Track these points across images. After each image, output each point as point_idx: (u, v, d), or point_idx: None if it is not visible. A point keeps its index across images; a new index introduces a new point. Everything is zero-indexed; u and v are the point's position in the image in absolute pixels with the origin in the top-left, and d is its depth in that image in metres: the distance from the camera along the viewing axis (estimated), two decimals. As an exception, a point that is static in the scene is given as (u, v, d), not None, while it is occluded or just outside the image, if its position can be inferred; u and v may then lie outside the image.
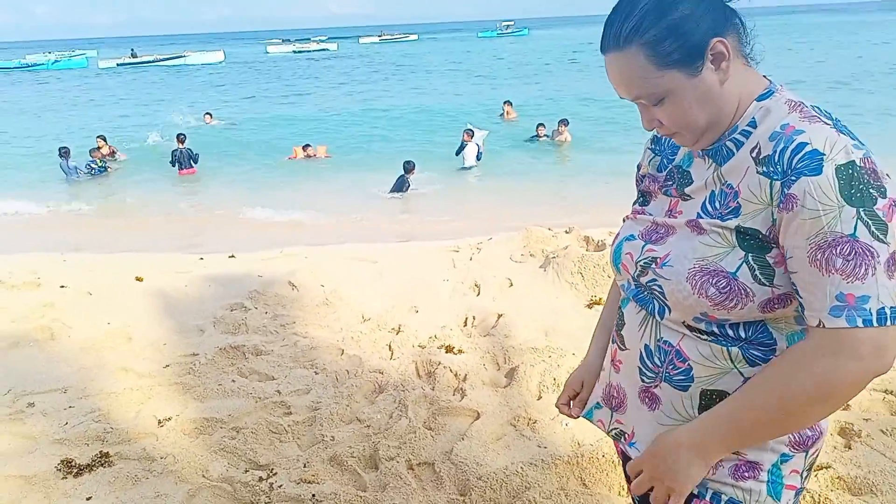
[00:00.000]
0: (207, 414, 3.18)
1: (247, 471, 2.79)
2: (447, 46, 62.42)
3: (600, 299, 4.31)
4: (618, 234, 1.32)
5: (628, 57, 1.08)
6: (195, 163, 12.56)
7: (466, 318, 4.24)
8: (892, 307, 0.97)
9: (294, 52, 65.08)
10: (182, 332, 4.12)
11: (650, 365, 1.20)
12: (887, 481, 2.54)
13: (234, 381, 3.47)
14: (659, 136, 1.33)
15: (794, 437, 1.16)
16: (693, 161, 1.21)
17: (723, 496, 1.17)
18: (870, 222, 0.96)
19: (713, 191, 1.13)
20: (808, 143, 1.01)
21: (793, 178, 1.00)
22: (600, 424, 1.37)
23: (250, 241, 7.28)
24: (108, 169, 12.78)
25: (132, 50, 59.72)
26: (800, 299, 1.04)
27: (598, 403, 1.39)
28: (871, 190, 0.97)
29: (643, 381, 1.22)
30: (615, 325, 1.32)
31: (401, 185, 10.43)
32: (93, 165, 12.49)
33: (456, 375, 3.51)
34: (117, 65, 51.73)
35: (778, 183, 1.02)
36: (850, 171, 0.97)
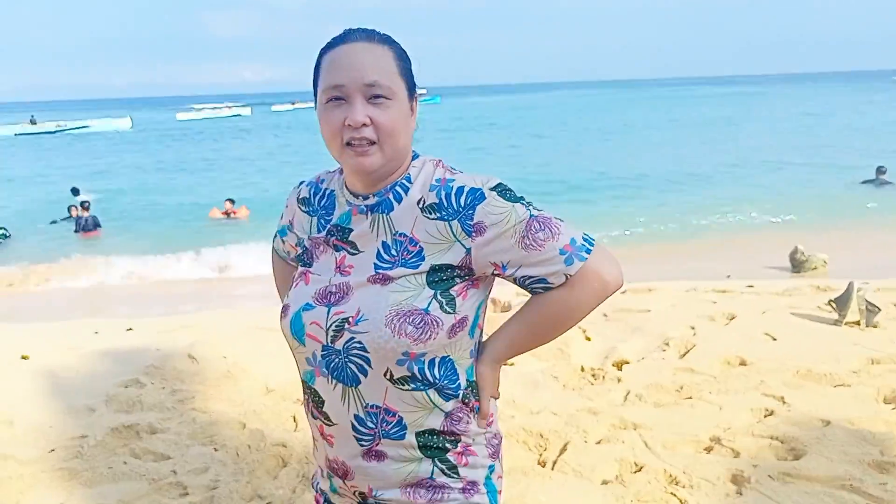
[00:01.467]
0: (96, 501, 2.98)
1: (136, 560, 2.62)
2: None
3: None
4: (286, 306, 1.34)
5: (380, 50, 1.23)
6: (98, 227, 12.20)
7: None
8: (584, 237, 1.25)
9: (205, 118, 64.26)
10: (70, 412, 3.88)
11: (365, 431, 1.27)
12: (776, 526, 2.66)
13: (125, 462, 3.28)
14: (307, 196, 1.40)
15: (492, 449, 1.36)
16: (352, 218, 1.30)
17: None
18: (531, 203, 1.25)
19: (384, 241, 1.26)
20: (463, 185, 1.24)
21: (469, 211, 1.21)
22: (343, 491, 1.38)
23: (152, 303, 6.99)
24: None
25: (31, 117, 57.41)
26: (540, 280, 1.24)
27: (329, 473, 1.39)
28: (513, 191, 1.26)
29: (362, 445, 1.28)
30: (311, 405, 1.33)
31: None
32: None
33: (362, 444, 3.45)
34: (15, 134, 49.43)
35: (456, 221, 1.22)
36: (501, 186, 1.24)
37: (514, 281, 1.27)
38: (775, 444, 3.30)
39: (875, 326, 4.79)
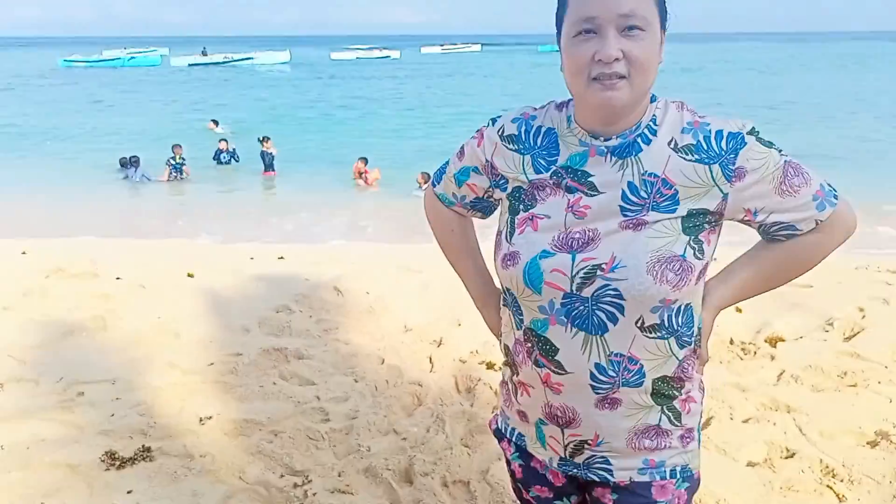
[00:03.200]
0: (247, 415, 3.21)
1: (282, 476, 2.80)
2: (509, 59, 62.24)
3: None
4: (515, 252, 1.28)
5: None
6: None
7: (510, 335, 4.19)
8: (828, 184, 1.27)
9: (357, 58, 66.08)
10: (228, 330, 4.18)
11: (605, 379, 1.27)
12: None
13: (274, 383, 3.50)
14: (515, 133, 1.33)
15: (703, 395, 1.40)
16: (588, 160, 1.25)
17: (677, 467, 1.35)
18: (782, 149, 1.24)
19: (630, 181, 1.22)
20: (721, 129, 1.21)
21: (731, 156, 1.19)
22: (552, 443, 1.39)
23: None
24: (185, 171, 12.59)
25: (203, 49, 61.58)
26: (789, 227, 1.26)
27: (541, 420, 1.38)
28: (765, 137, 1.25)
29: (598, 393, 1.28)
30: (536, 353, 1.31)
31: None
32: (171, 162, 12.40)
33: (496, 393, 3.46)
34: (188, 64, 53.39)
35: (717, 165, 1.20)
36: (756, 131, 1.23)
37: (760, 227, 1.28)
38: None
39: None
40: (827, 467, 2.79)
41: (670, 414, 1.32)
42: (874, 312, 4.47)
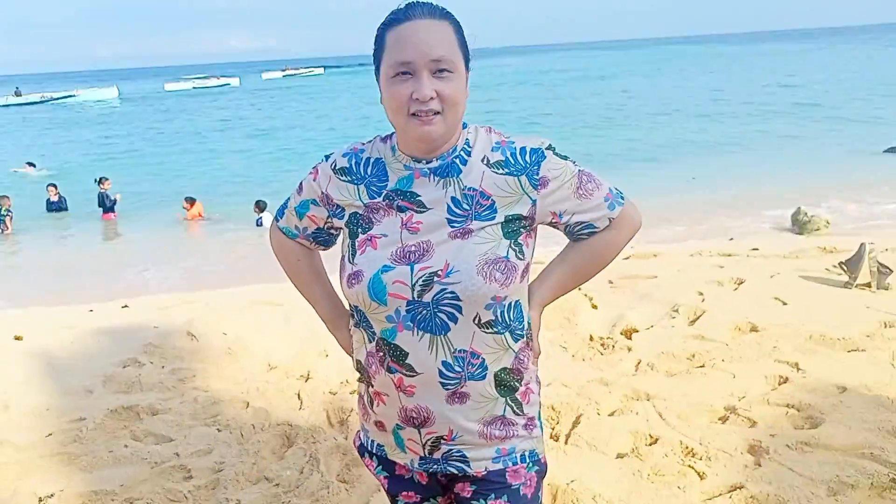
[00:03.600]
0: (96, 486, 2.89)
1: (142, 548, 2.54)
2: (355, 80, 62.34)
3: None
4: (358, 272, 1.39)
5: (444, 26, 1.34)
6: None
7: (379, 359, 4.11)
8: (615, 188, 1.48)
9: (193, 87, 63.31)
10: (67, 394, 3.78)
11: (452, 375, 1.39)
12: (797, 495, 2.60)
13: (126, 445, 3.19)
14: (346, 166, 1.47)
15: (539, 387, 1.54)
16: (414, 181, 1.41)
17: (525, 452, 1.49)
18: (575, 161, 1.45)
19: (454, 196, 1.39)
20: (525, 146, 1.41)
21: (535, 167, 1.39)
22: (411, 445, 1.48)
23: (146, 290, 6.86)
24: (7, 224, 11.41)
25: (16, 88, 56.41)
26: (589, 226, 1.46)
27: (398, 425, 1.47)
28: (561, 151, 1.45)
29: (447, 389, 1.40)
30: (388, 360, 1.41)
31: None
32: None
33: (369, 421, 3.37)
34: (0, 105, 48.67)
35: (524, 176, 1.38)
36: (552, 146, 1.43)
37: (565, 227, 1.46)
38: (792, 412, 3.23)
39: (887, 288, 4.72)
40: (687, 448, 2.96)
41: (513, 405, 1.46)
42: (712, 295, 4.86)
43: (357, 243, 1.43)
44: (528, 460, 1.49)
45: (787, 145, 15.69)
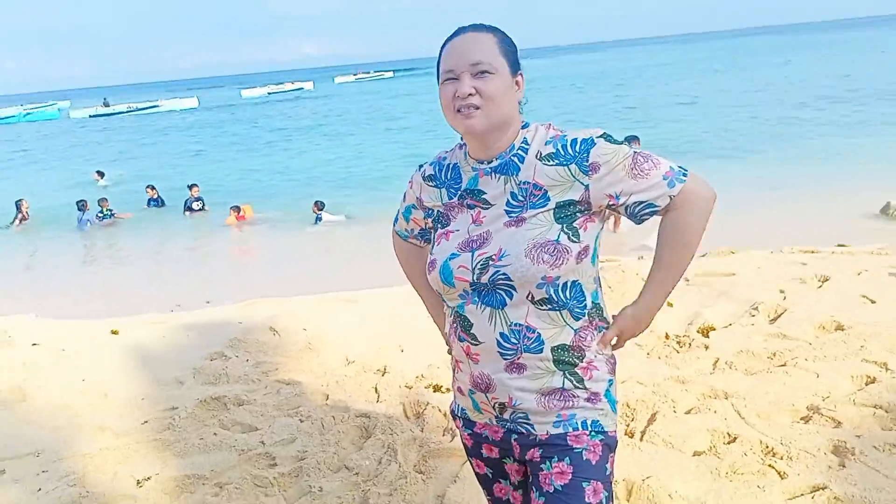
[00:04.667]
0: (189, 471, 3.07)
1: (232, 529, 2.68)
2: (422, 82, 62.95)
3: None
4: (434, 260, 1.61)
5: (486, 37, 1.52)
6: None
7: (452, 355, 4.18)
8: (678, 166, 1.53)
9: (268, 94, 65.31)
10: (160, 385, 4.01)
11: (509, 346, 1.53)
12: (884, 498, 2.51)
13: (215, 434, 3.36)
14: (432, 173, 1.69)
15: (610, 366, 1.63)
16: (479, 180, 1.59)
17: (588, 420, 1.57)
18: (631, 144, 1.53)
19: (512, 192, 1.54)
20: (576, 137, 1.52)
21: (584, 155, 1.49)
22: (485, 406, 1.63)
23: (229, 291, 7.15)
24: (115, 216, 13.09)
25: (105, 99, 59.56)
26: (649, 206, 1.51)
27: (471, 390, 1.64)
28: (615, 137, 1.53)
29: (506, 359, 1.54)
30: (459, 329, 1.60)
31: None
32: (100, 215, 12.96)
33: (445, 415, 3.43)
34: (89, 116, 51.54)
35: (574, 165, 1.49)
36: (606, 134, 1.52)
37: (626, 210, 1.52)
38: (880, 412, 3.10)
39: None
40: (767, 447, 2.89)
41: (573, 379, 1.56)
42: (794, 292, 4.70)
43: (436, 237, 1.65)
44: (590, 428, 1.56)
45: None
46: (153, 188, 14.42)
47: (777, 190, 10.69)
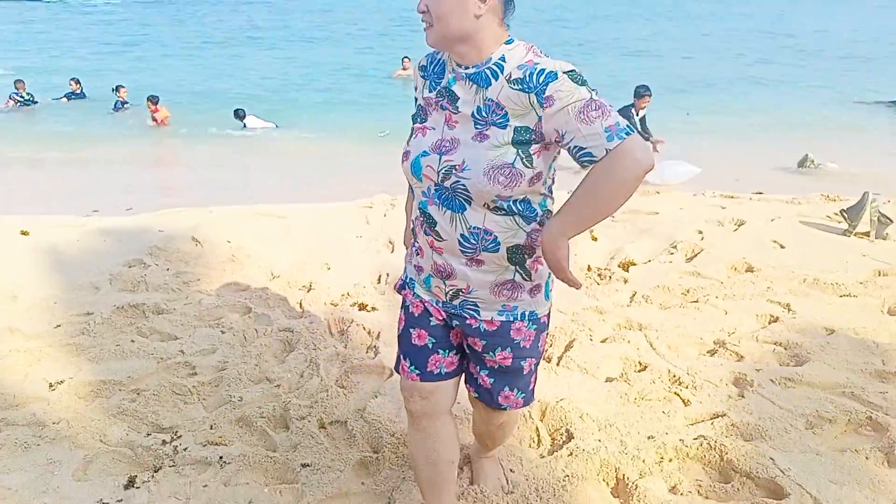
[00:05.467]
0: (104, 376, 3.00)
1: (149, 434, 2.66)
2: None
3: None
4: (408, 151, 1.76)
5: None
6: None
7: (380, 276, 4.19)
8: (626, 126, 1.56)
9: None
10: (74, 289, 3.86)
11: (468, 245, 1.72)
12: (776, 426, 2.71)
13: (133, 341, 3.29)
14: (424, 64, 1.81)
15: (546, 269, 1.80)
16: (456, 82, 1.68)
17: (526, 312, 1.84)
18: (593, 90, 1.58)
19: (479, 105, 1.64)
20: (544, 68, 1.58)
21: (543, 87, 1.56)
22: (437, 290, 1.85)
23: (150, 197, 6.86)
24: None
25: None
26: (587, 153, 1.56)
27: (428, 276, 1.85)
28: (582, 77, 1.59)
29: (466, 255, 1.74)
30: (424, 225, 1.78)
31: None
32: (17, 98, 12.37)
33: (369, 333, 3.46)
34: None
35: (533, 94, 1.57)
36: (573, 72, 1.58)
37: (569, 150, 1.60)
38: (779, 349, 3.33)
39: (885, 238, 4.76)
40: (674, 377, 3.07)
41: (522, 272, 1.78)
42: (711, 234, 4.91)
43: (414, 129, 1.79)
44: (527, 319, 1.85)
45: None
46: (77, 81, 13.54)
47: (705, 134, 10.97)
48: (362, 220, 5.19)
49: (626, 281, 4.13)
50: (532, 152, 1.63)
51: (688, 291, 3.96)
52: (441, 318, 1.90)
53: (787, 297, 3.86)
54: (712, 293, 3.92)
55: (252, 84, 16.05)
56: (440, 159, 1.68)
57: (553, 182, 1.77)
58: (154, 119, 11.53)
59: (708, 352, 3.36)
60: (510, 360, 1.88)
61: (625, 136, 1.54)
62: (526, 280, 1.79)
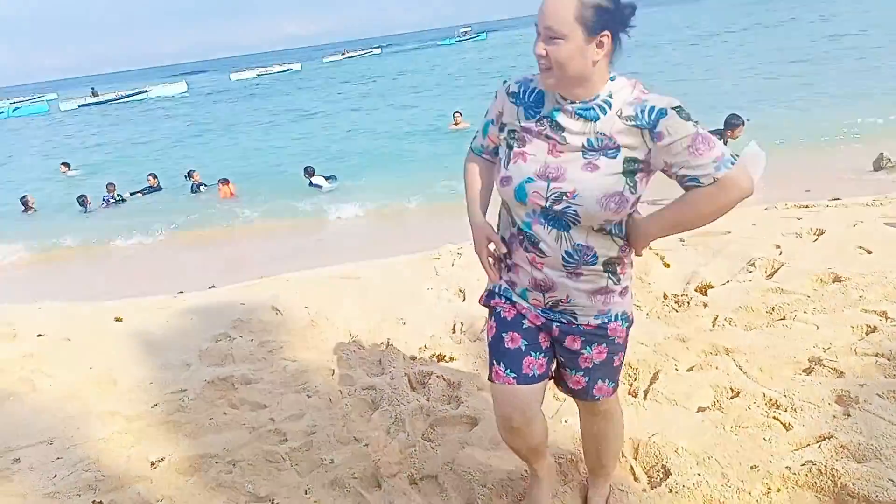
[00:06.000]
0: (201, 450, 3.11)
1: (247, 504, 2.73)
2: (410, 57, 62.31)
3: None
4: (509, 177, 1.88)
5: (567, 2, 1.68)
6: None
7: (455, 325, 4.21)
8: (731, 154, 1.74)
9: (257, 75, 64.63)
10: (168, 368, 4.03)
11: (572, 260, 1.90)
12: (890, 444, 2.55)
13: (225, 413, 3.40)
14: (515, 91, 1.92)
15: (631, 267, 2.01)
16: (560, 114, 1.81)
17: (619, 312, 2.03)
18: (698, 123, 1.73)
19: (589, 138, 1.78)
20: (654, 106, 1.73)
21: (655, 122, 1.72)
22: (535, 301, 2.02)
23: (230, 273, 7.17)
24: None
25: (92, 88, 58.91)
26: (694, 179, 1.74)
27: (524, 290, 2.02)
28: (688, 113, 1.74)
29: (567, 268, 1.91)
30: (525, 242, 1.93)
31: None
32: (109, 200, 13.76)
33: (449, 384, 3.47)
34: (78, 106, 51.06)
35: (647, 130, 1.74)
36: (680, 108, 1.73)
37: (675, 177, 1.77)
38: (881, 360, 3.14)
39: (981, 232, 4.47)
40: (770, 400, 2.93)
41: (613, 278, 1.97)
42: (790, 247, 4.72)
43: (512, 154, 1.90)
44: (620, 318, 2.03)
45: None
46: (154, 176, 14.71)
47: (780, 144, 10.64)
48: (431, 271, 5.25)
49: (705, 305, 4.01)
50: (637, 179, 1.80)
51: (773, 309, 3.81)
52: (535, 322, 2.06)
53: (883, 304, 3.66)
54: (800, 308, 3.76)
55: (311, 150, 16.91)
56: (548, 186, 1.82)
57: None
58: (224, 193, 12.65)
59: (804, 371, 3.20)
60: (605, 355, 2.06)
61: (731, 165, 1.72)
62: (616, 284, 1.98)
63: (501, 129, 1.96)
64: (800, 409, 2.85)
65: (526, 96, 1.90)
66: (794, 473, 2.46)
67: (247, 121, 26.81)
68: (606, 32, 1.71)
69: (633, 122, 1.74)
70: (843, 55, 20.79)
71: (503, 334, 2.08)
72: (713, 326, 3.75)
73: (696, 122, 1.73)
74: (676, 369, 3.30)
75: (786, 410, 2.86)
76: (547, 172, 1.82)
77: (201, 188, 13.67)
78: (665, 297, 4.23)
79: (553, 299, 1.98)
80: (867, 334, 3.41)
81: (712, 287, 4.28)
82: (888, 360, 3.14)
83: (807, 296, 3.91)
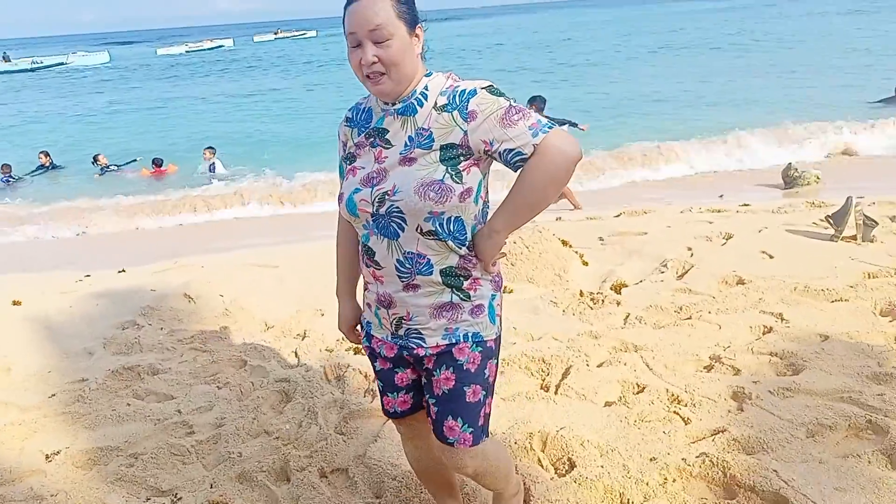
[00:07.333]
0: (101, 443, 2.98)
1: (148, 499, 2.64)
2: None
3: (506, 288, 4.35)
4: (342, 194, 1.84)
5: (381, 2, 1.66)
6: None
7: (373, 317, 4.19)
8: (550, 121, 1.71)
9: (187, 51, 62.24)
10: (69, 357, 3.85)
11: (404, 270, 1.80)
12: (777, 437, 2.70)
13: (128, 404, 3.28)
14: (350, 116, 1.91)
15: (494, 284, 1.90)
16: (384, 120, 1.80)
17: (470, 332, 1.87)
18: (512, 99, 1.71)
19: (410, 135, 1.75)
20: (465, 88, 1.72)
21: (465, 103, 1.70)
22: (385, 320, 1.91)
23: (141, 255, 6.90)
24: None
25: (4, 53, 55.27)
26: (518, 153, 1.68)
27: (377, 308, 1.91)
28: (500, 90, 1.73)
29: (403, 280, 1.81)
30: (365, 256, 1.86)
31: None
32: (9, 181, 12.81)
33: (366, 377, 3.45)
34: None
35: (456, 112, 1.71)
36: (491, 87, 1.72)
37: (500, 157, 1.71)
38: (775, 360, 3.32)
39: (872, 241, 4.79)
40: (672, 396, 3.06)
41: (460, 294, 1.84)
42: (700, 249, 4.94)
43: (345, 172, 1.87)
44: (471, 340, 1.87)
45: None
46: (46, 154, 13.87)
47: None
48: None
49: (618, 303, 4.14)
50: (461, 168, 1.73)
51: (681, 309, 3.97)
52: (389, 358, 1.97)
53: (779, 306, 3.88)
54: (705, 308, 3.93)
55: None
56: (372, 191, 1.76)
57: (487, 207, 1.86)
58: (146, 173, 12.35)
59: (704, 368, 3.35)
60: (453, 382, 1.87)
61: (548, 129, 1.67)
62: (465, 301, 1.85)
63: (345, 153, 1.92)
64: (698, 405, 2.98)
65: (358, 116, 1.89)
66: (689, 465, 2.57)
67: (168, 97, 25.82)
68: (420, 24, 1.74)
69: (447, 109, 1.72)
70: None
71: (373, 363, 2.06)
72: (624, 324, 3.87)
73: (510, 98, 1.72)
74: (587, 365, 3.39)
75: (686, 405, 2.99)
76: (370, 178, 1.78)
77: (111, 168, 13.20)
78: (581, 294, 4.34)
79: (396, 317, 1.87)
80: (763, 334, 3.60)
81: (626, 286, 4.43)
82: (780, 358, 3.32)
83: (712, 297, 4.10)
